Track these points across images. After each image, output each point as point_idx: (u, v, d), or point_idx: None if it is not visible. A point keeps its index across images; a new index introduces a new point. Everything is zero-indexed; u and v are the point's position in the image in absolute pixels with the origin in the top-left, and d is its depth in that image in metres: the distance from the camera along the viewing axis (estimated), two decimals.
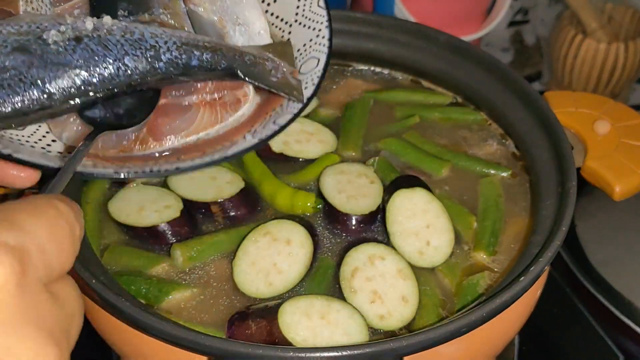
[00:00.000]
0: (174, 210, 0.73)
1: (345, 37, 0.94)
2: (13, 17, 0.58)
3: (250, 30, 0.72)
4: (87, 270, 0.62)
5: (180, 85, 0.66)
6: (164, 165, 0.62)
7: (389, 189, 0.76)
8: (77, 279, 0.63)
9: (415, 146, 0.84)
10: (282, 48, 0.72)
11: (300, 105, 0.67)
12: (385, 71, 0.96)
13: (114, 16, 0.64)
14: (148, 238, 0.73)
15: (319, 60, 0.71)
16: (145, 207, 0.74)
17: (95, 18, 0.60)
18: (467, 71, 0.89)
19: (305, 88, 0.69)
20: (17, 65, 0.55)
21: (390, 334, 0.66)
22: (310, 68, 0.71)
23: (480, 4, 1.30)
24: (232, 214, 0.75)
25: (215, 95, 0.68)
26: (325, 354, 0.55)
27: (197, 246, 0.72)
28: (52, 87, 0.56)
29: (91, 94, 0.58)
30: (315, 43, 0.73)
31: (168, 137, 0.65)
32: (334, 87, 0.94)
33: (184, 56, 0.62)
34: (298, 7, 0.75)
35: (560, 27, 1.31)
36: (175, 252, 0.71)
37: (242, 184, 0.77)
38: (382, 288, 0.67)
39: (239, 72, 0.65)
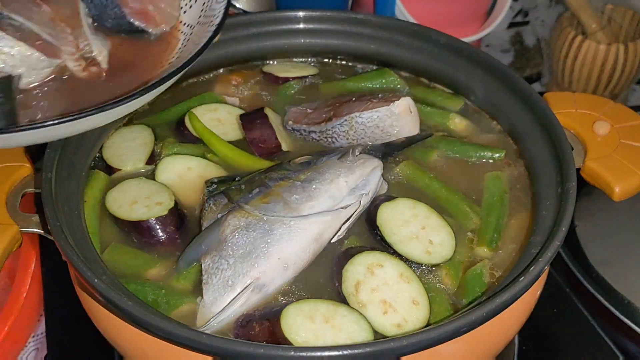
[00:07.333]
0: (163, 208, 0.73)
1: (346, 38, 0.95)
2: None
3: None
4: (89, 270, 0.62)
5: None
6: None
7: (369, 207, 0.75)
8: (80, 278, 0.64)
9: None
10: None
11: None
12: None
13: None
14: (134, 232, 0.73)
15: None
16: (138, 201, 0.74)
17: None
18: (468, 72, 0.89)
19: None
20: None
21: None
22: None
23: (481, 5, 1.30)
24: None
25: None
26: (326, 353, 0.55)
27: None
28: None
29: None
30: None
31: None
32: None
33: None
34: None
35: (560, 28, 1.31)
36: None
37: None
38: (389, 296, 0.66)
39: None
